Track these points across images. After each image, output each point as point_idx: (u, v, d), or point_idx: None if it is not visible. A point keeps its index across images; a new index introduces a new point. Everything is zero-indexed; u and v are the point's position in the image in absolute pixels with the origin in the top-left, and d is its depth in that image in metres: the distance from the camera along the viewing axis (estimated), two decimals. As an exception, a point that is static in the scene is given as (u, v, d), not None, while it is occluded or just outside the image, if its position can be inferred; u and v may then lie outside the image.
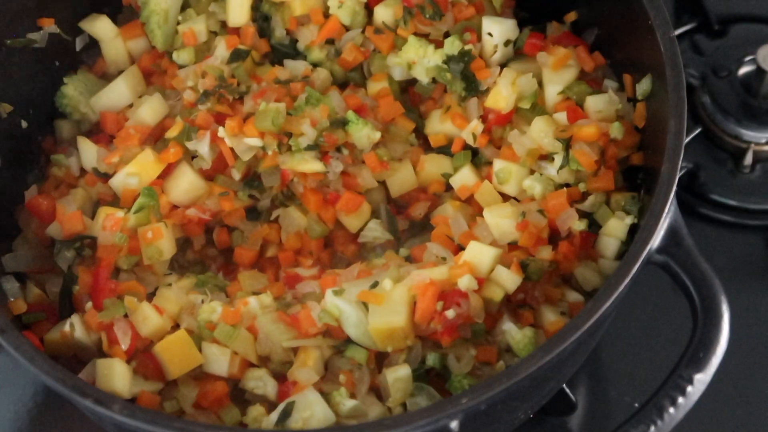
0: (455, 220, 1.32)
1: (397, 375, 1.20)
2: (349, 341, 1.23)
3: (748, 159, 1.58)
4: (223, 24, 1.45)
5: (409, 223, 1.39)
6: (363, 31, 1.43)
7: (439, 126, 1.39)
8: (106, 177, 1.35)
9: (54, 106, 1.44)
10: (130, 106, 1.41)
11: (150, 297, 1.28)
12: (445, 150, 1.39)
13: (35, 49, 1.41)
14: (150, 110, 1.37)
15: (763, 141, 1.57)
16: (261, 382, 1.22)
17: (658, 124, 1.26)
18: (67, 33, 1.44)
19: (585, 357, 1.32)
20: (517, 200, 1.33)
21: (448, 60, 1.37)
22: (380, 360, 1.23)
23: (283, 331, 1.23)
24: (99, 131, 1.41)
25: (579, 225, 1.28)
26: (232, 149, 1.33)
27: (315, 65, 1.42)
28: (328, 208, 1.36)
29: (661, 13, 1.27)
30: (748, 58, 1.61)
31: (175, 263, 1.36)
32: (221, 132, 1.33)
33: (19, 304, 1.28)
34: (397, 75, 1.42)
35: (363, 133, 1.34)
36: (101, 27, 1.44)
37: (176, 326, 1.25)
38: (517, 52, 1.41)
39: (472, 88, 1.38)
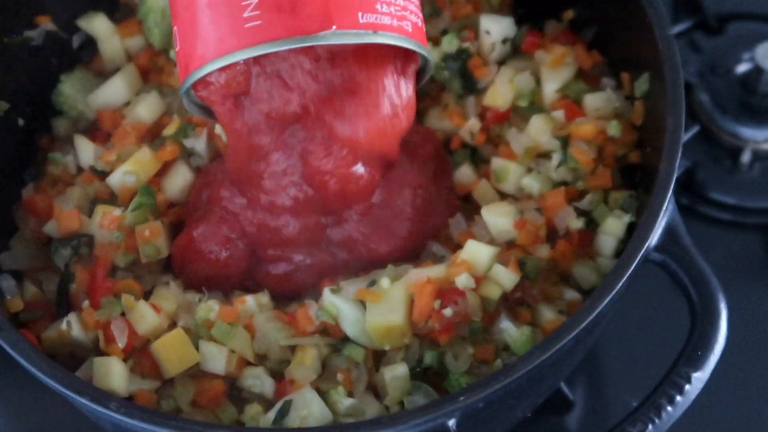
0: (453, 218, 1.31)
1: (395, 373, 1.20)
2: (346, 339, 1.22)
3: (747, 157, 1.58)
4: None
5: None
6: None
7: (437, 124, 1.39)
8: (103, 175, 1.35)
9: (51, 104, 1.43)
10: (127, 104, 1.41)
11: (147, 295, 1.27)
12: (443, 148, 1.39)
13: (32, 47, 1.41)
14: (147, 108, 1.37)
15: (762, 139, 1.57)
16: (258, 381, 1.22)
17: (656, 122, 1.26)
18: (64, 31, 1.44)
19: (583, 355, 1.31)
20: (515, 198, 1.33)
21: (446, 58, 1.37)
22: (378, 358, 1.23)
23: (280, 330, 1.23)
24: (96, 129, 1.41)
25: (577, 223, 1.28)
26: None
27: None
28: (325, 206, 1.35)
29: (659, 11, 1.27)
30: (746, 56, 1.61)
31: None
32: (218, 129, 1.33)
33: (16, 302, 1.27)
34: (394, 73, 1.42)
35: (361, 131, 1.33)
36: (98, 25, 1.44)
37: (173, 324, 1.24)
38: (515, 50, 1.41)
39: (470, 86, 1.38)
